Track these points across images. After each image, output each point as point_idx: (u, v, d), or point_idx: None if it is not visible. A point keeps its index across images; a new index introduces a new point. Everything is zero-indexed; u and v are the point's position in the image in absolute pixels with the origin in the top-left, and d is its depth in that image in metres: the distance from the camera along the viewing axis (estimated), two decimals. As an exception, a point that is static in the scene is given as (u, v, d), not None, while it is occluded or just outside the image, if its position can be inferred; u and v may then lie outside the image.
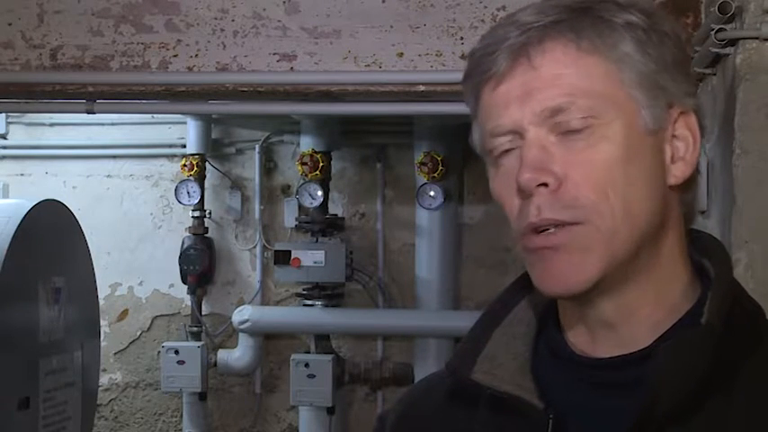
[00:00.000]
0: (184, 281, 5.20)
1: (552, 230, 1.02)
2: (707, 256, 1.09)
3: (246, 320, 5.04)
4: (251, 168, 5.30)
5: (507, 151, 1.05)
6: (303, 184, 4.90)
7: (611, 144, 1.02)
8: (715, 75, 2.41)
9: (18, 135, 5.49)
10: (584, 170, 1.01)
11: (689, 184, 1.08)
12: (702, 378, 1.00)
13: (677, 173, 1.06)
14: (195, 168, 5.08)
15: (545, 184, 1.01)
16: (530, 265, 1.05)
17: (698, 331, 1.01)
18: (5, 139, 5.48)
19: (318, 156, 4.87)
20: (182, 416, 5.26)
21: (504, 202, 1.05)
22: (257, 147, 5.26)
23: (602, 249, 1.02)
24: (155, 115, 5.13)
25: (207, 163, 5.18)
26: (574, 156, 1.02)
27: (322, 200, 4.87)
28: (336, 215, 5.10)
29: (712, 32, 2.20)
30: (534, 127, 1.02)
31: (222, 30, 2.96)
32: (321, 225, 4.94)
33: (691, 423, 1.00)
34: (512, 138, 1.04)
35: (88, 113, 3.22)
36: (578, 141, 1.02)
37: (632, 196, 1.02)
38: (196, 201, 5.11)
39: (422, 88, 2.91)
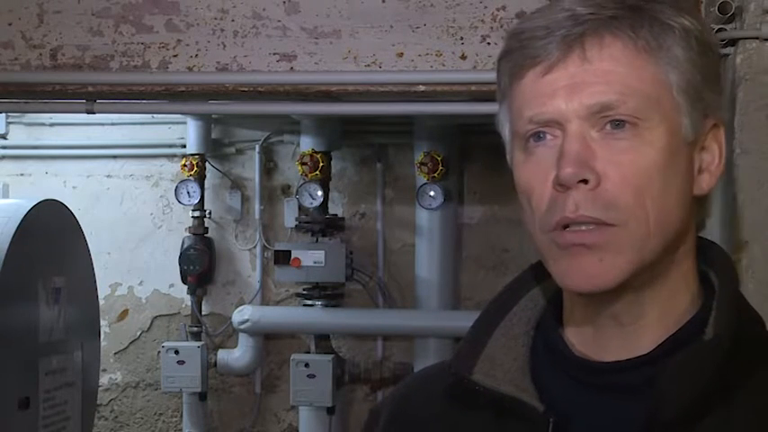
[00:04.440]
0: (184, 281, 5.19)
1: (584, 228, 1.01)
2: (711, 266, 1.09)
3: (246, 320, 5.04)
4: (251, 168, 5.30)
5: (541, 140, 1.03)
6: (303, 184, 4.89)
7: (653, 149, 1.01)
8: (715, 75, 2.41)
9: (18, 135, 5.49)
10: (624, 172, 1.00)
11: (706, 195, 1.09)
12: (710, 389, 0.99)
13: (703, 184, 1.07)
14: (195, 168, 5.08)
15: (585, 181, 1.00)
16: (553, 259, 1.04)
17: (708, 343, 1.02)
18: (5, 139, 5.47)
19: (318, 156, 4.86)
20: (182, 416, 5.26)
21: (533, 192, 1.03)
22: (257, 147, 5.25)
23: (633, 253, 1.01)
24: (155, 115, 5.12)
25: (207, 163, 5.17)
26: (616, 156, 1.01)
27: (322, 200, 4.86)
28: (336, 215, 5.10)
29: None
30: (579, 120, 1.01)
31: (222, 30, 2.96)
32: (321, 225, 4.94)
33: None
34: (550, 128, 1.03)
35: (88, 113, 3.22)
36: (621, 141, 1.01)
37: (666, 204, 1.02)
38: (196, 201, 5.10)
39: (422, 88, 2.91)
